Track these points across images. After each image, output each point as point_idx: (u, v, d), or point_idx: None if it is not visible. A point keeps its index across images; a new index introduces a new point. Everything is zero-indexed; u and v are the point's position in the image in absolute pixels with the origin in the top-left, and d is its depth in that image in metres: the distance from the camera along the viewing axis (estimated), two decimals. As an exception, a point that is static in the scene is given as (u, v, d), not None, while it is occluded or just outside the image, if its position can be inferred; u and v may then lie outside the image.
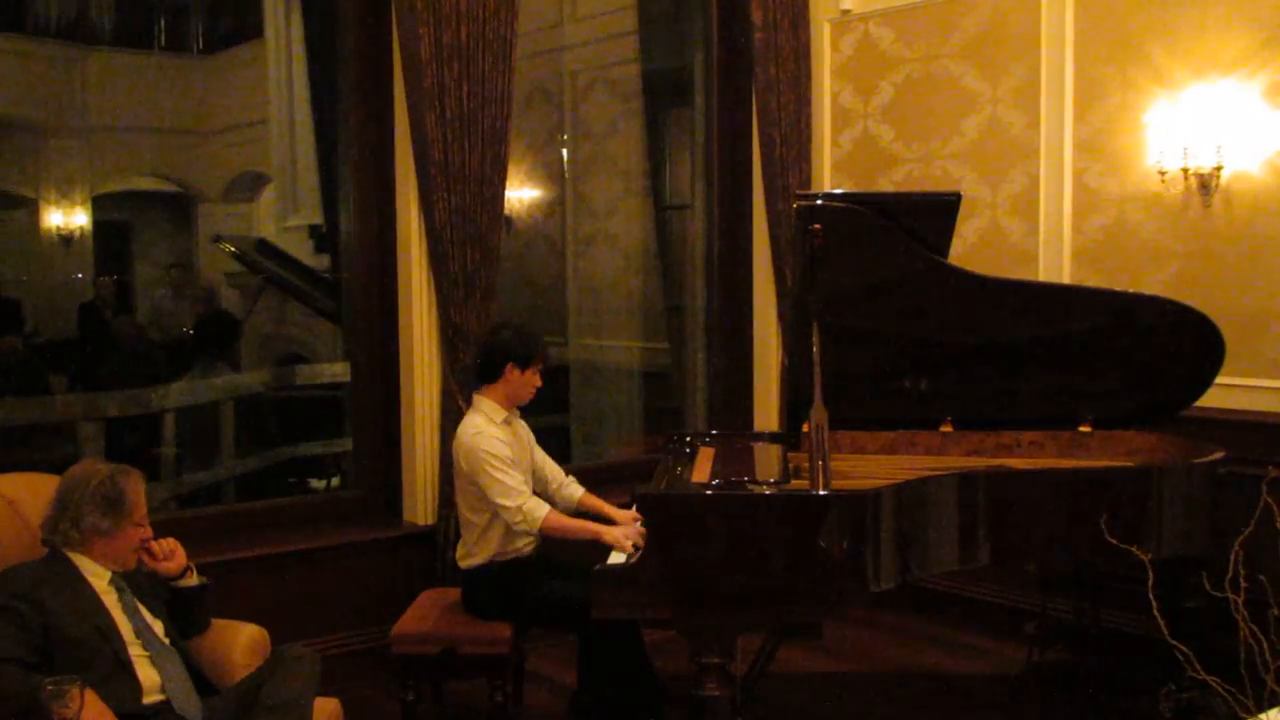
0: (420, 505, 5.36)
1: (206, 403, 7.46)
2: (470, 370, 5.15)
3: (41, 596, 3.20)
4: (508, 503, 4.25)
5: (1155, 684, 4.47)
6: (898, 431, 4.83)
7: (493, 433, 4.36)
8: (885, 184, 6.21)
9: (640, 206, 7.59)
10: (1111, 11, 5.35)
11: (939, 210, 4.40)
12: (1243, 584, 2.15)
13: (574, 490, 4.69)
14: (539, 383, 4.51)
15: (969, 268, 4.52)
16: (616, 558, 3.94)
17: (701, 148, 6.96)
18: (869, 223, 4.23)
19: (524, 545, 4.42)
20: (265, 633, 3.76)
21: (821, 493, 3.66)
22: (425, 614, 4.43)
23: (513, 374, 4.43)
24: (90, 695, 2.90)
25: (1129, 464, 4.49)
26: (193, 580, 3.61)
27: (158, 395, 7.12)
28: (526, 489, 4.35)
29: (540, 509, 4.29)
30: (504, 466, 4.29)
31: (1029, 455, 4.70)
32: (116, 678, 3.19)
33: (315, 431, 7.64)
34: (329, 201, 8.21)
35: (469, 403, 4.95)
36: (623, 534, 4.13)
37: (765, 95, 6.29)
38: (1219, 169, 4.99)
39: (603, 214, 7.67)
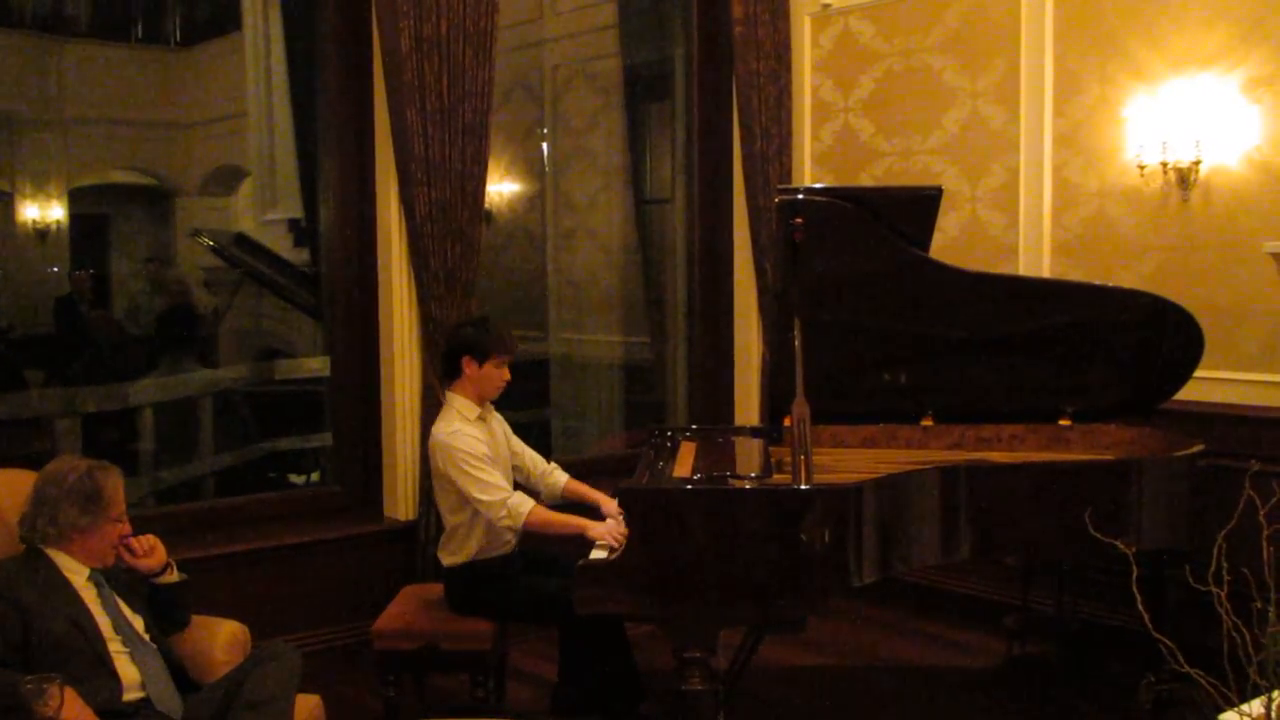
0: (401, 501, 5.34)
1: (185, 398, 7.42)
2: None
3: (19, 594, 3.18)
4: (490, 499, 4.19)
5: (1135, 676, 4.49)
6: (879, 425, 4.85)
7: (468, 431, 4.29)
8: (866, 178, 6.22)
9: (620, 200, 7.58)
10: (1091, 6, 5.37)
11: (920, 204, 4.41)
12: (1225, 577, 2.16)
13: (559, 478, 4.63)
14: (506, 376, 4.41)
15: (949, 262, 4.52)
16: (598, 553, 3.93)
17: (682, 142, 6.96)
18: (850, 217, 4.23)
19: (506, 543, 4.40)
20: (246, 629, 3.74)
21: (803, 487, 3.66)
22: (407, 610, 4.42)
23: (471, 368, 4.35)
24: (70, 693, 2.89)
25: (1109, 457, 4.51)
26: (173, 577, 3.58)
27: (135, 390, 7.07)
28: (507, 485, 4.31)
29: (524, 504, 4.22)
30: (481, 464, 4.23)
31: (1009, 449, 4.72)
32: (96, 675, 3.17)
33: (294, 426, 7.60)
34: (308, 195, 8.16)
35: (448, 398, 4.94)
36: (606, 530, 4.08)
37: (745, 89, 6.30)
38: (1197, 163, 5.02)
39: (583, 208, 7.66)
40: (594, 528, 4.14)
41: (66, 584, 3.29)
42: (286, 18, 8.77)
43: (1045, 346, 4.62)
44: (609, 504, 4.39)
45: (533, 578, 4.34)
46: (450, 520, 4.36)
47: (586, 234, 7.66)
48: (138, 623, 3.39)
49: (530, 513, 4.22)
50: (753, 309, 6.55)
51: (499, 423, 4.57)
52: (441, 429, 4.33)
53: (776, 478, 4.02)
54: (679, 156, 7.01)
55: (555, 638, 4.62)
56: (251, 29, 9.16)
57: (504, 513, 4.20)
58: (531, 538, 4.42)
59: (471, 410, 4.38)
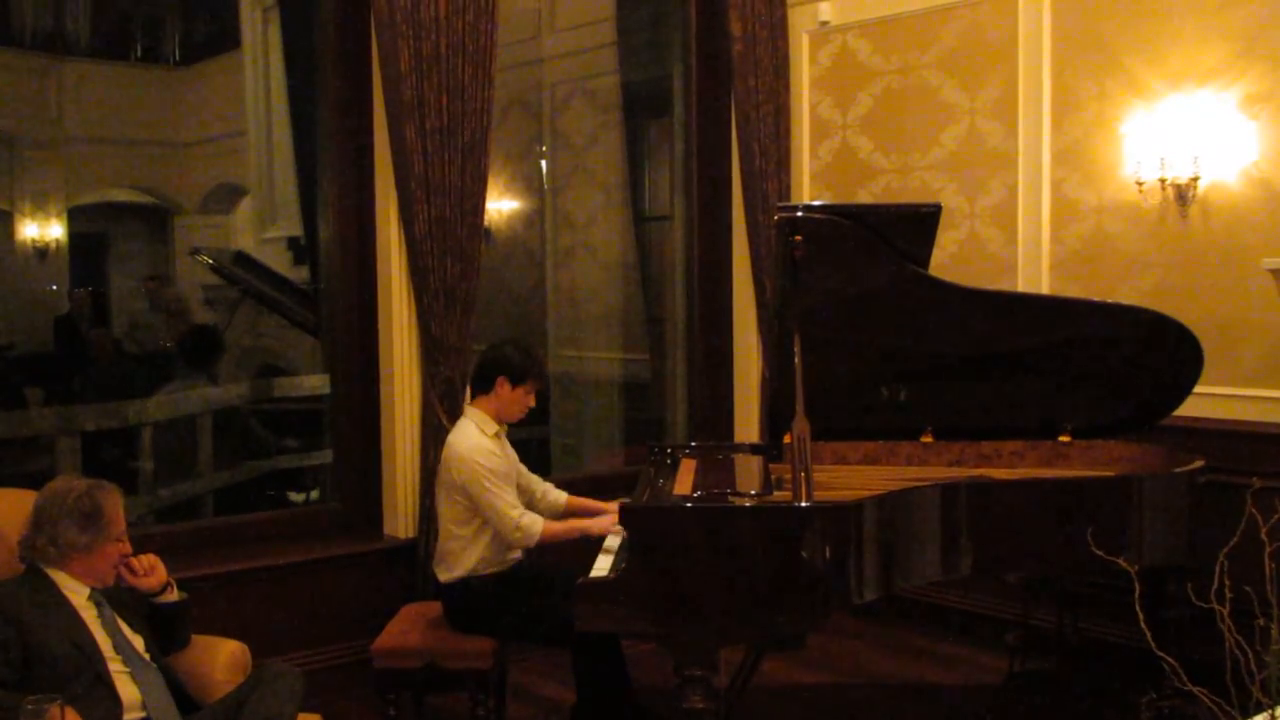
0: (401, 518, 5.33)
1: (184, 415, 7.41)
2: (452, 382, 5.14)
3: (20, 614, 3.17)
4: (511, 514, 4.28)
5: (1137, 694, 4.48)
6: (879, 442, 4.84)
7: (488, 446, 4.36)
8: (864, 195, 6.23)
9: (620, 217, 7.58)
10: (1088, 22, 5.39)
11: (919, 221, 4.41)
12: (1228, 594, 2.16)
13: (558, 496, 4.70)
14: (531, 403, 4.51)
15: (948, 278, 4.52)
16: (600, 570, 3.92)
17: (680, 159, 6.96)
18: (849, 234, 4.23)
19: (511, 558, 4.42)
20: (246, 648, 3.73)
21: (804, 504, 3.66)
22: (407, 628, 4.41)
23: (503, 388, 4.42)
24: (70, 713, 2.88)
25: (1109, 473, 4.50)
26: (173, 596, 3.58)
27: (135, 408, 7.06)
28: (520, 504, 4.39)
29: (537, 524, 4.32)
30: (501, 483, 4.31)
31: (1009, 465, 4.71)
32: (96, 695, 3.17)
33: (294, 444, 7.60)
34: (308, 213, 8.16)
35: (449, 415, 4.95)
36: (609, 521, 4.25)
37: (744, 106, 6.31)
38: (1196, 179, 5.02)
39: (582, 225, 7.66)
40: (595, 524, 4.34)
41: (67, 603, 3.28)
42: (286, 36, 8.78)
43: (1045, 363, 4.61)
44: (609, 505, 4.49)
45: (539, 597, 4.33)
46: (454, 532, 4.38)
47: (585, 251, 7.66)
48: (138, 642, 3.38)
49: (542, 531, 4.34)
50: (752, 325, 6.55)
51: (509, 447, 4.61)
52: (461, 442, 4.37)
53: (777, 495, 4.01)
54: (678, 173, 7.02)
55: (556, 656, 4.62)
56: (251, 47, 9.20)
57: (520, 533, 4.30)
58: (535, 556, 4.45)
59: (490, 426, 4.45)
